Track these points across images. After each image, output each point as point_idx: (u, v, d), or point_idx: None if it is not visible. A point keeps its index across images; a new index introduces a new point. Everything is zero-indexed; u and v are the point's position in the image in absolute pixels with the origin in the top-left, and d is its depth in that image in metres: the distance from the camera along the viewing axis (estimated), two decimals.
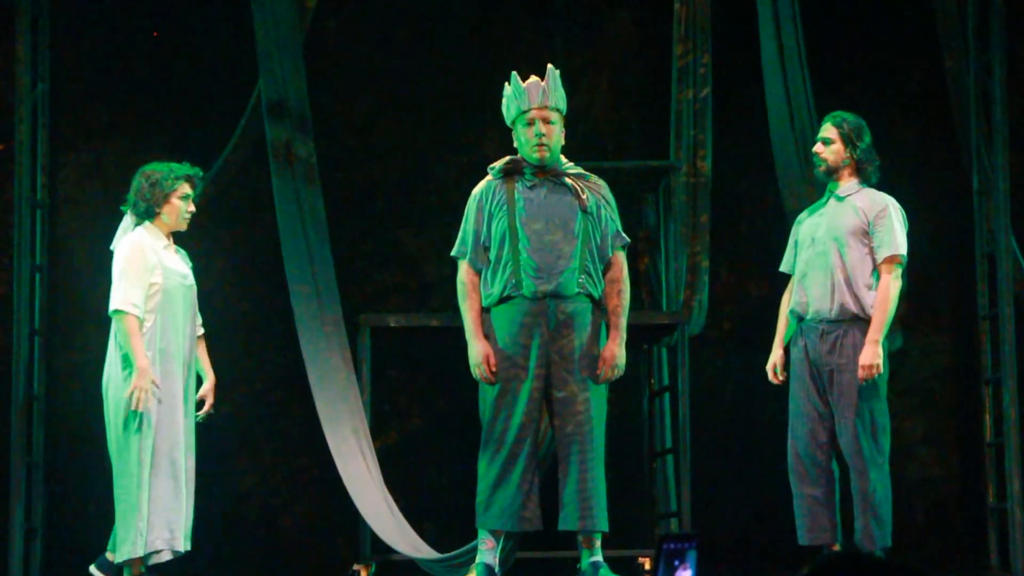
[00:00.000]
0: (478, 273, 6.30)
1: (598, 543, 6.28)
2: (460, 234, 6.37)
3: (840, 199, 6.84)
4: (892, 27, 8.54)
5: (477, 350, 6.21)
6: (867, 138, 6.86)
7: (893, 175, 8.50)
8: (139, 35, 8.31)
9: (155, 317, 6.47)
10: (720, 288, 8.31)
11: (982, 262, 8.23)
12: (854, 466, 6.64)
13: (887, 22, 8.53)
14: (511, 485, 6.11)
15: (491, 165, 6.36)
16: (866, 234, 6.73)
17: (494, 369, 6.18)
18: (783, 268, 7.02)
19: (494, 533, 6.23)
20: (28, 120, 7.97)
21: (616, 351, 6.22)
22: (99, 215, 8.25)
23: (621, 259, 6.34)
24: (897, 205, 6.81)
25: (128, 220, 6.69)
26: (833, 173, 6.87)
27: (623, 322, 6.27)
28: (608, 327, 6.30)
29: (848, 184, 6.85)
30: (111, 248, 6.74)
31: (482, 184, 6.35)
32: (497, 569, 6.22)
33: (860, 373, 6.50)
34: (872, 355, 6.50)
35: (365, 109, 8.45)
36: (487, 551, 6.23)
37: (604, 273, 6.30)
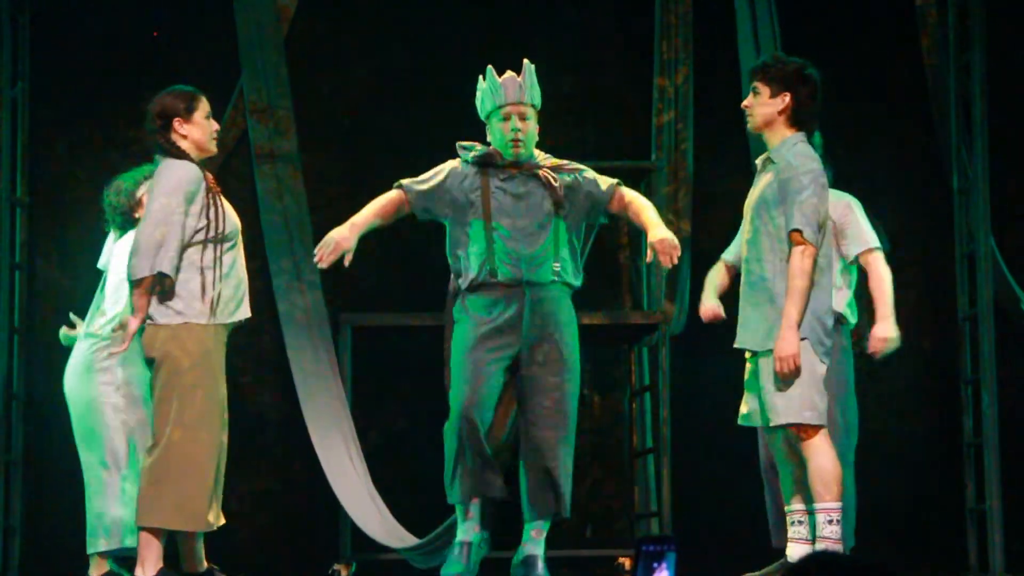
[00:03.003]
0: (404, 203, 6.28)
1: (543, 536, 6.19)
2: (416, 177, 6.36)
3: None
4: (872, 26, 8.55)
5: (346, 225, 6.21)
6: None
7: (873, 174, 8.53)
8: (120, 32, 8.30)
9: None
10: (701, 288, 8.31)
11: (962, 262, 8.25)
12: None
13: (867, 21, 8.55)
14: (473, 454, 6.05)
15: (461, 143, 6.32)
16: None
17: (336, 245, 6.13)
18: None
19: (469, 505, 6.12)
20: (7, 118, 7.95)
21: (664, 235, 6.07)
22: (79, 213, 8.24)
23: (623, 191, 6.30)
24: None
25: (112, 237, 6.67)
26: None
27: (654, 216, 6.18)
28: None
29: None
30: (99, 267, 6.72)
31: (459, 163, 6.32)
32: (476, 540, 6.10)
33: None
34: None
35: (347, 106, 8.44)
36: (466, 528, 6.13)
37: (612, 211, 6.28)
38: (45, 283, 8.16)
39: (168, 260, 5.57)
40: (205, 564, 5.90)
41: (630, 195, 6.32)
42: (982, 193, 8.06)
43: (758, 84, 5.86)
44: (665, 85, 8.14)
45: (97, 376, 6.46)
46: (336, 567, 7.52)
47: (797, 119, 5.82)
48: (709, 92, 8.30)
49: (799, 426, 5.67)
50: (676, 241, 6.08)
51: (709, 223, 8.38)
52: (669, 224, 7.99)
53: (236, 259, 5.81)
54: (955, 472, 8.22)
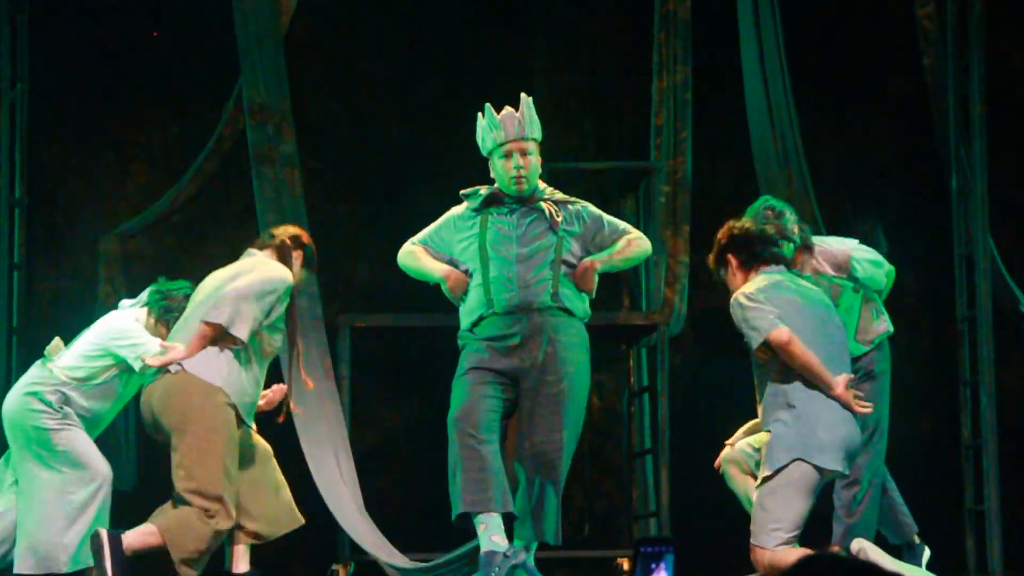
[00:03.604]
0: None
1: (534, 548, 6.19)
2: (423, 232, 6.41)
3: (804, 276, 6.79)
4: (872, 28, 8.55)
5: (443, 272, 6.24)
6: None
7: (872, 175, 8.53)
8: (118, 33, 8.29)
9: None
10: (700, 289, 8.31)
11: (960, 263, 8.25)
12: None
13: (867, 23, 8.55)
14: (467, 467, 6.00)
15: (464, 192, 6.32)
16: (831, 281, 6.70)
17: (463, 287, 6.19)
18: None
19: (483, 516, 6.06)
20: (6, 119, 7.95)
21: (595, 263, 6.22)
22: (77, 214, 8.24)
23: (628, 238, 6.33)
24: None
25: (133, 307, 6.60)
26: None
27: (614, 257, 6.27)
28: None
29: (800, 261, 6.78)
30: (115, 306, 6.70)
31: (461, 209, 6.33)
32: (503, 549, 5.97)
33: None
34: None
35: (345, 110, 8.44)
36: (485, 538, 6.00)
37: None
38: (43, 283, 8.16)
39: (247, 330, 6.04)
40: (248, 567, 6.27)
41: (625, 240, 6.32)
42: (980, 194, 8.06)
43: (717, 271, 6.24)
44: (664, 85, 8.14)
45: (35, 405, 6.48)
46: (334, 568, 7.52)
47: (748, 266, 6.15)
48: (708, 93, 8.30)
49: (757, 547, 5.94)
50: (590, 276, 6.20)
51: (708, 224, 8.38)
52: (668, 228, 8.01)
53: (265, 370, 6.26)
54: (954, 473, 8.22)
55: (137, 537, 5.95)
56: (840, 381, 5.95)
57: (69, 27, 8.25)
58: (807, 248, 6.69)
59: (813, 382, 5.92)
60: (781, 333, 5.91)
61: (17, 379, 7.79)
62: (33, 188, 8.13)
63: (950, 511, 8.16)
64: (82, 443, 6.45)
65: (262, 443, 6.38)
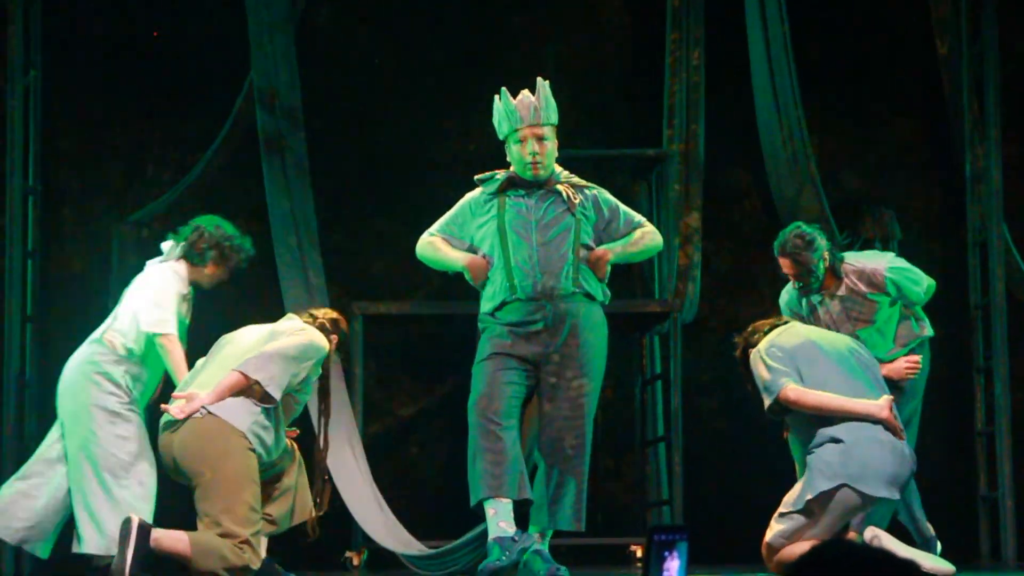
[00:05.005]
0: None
1: (549, 535, 6.21)
2: (440, 221, 6.40)
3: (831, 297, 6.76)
4: (885, 15, 8.54)
5: (464, 260, 6.23)
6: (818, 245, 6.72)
7: (886, 162, 8.52)
8: (132, 21, 8.30)
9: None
10: (713, 276, 8.31)
11: (974, 250, 8.24)
12: None
13: (880, 10, 8.54)
14: (487, 453, 6.01)
15: (479, 177, 6.31)
16: (866, 298, 6.69)
17: (484, 273, 6.20)
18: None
19: (493, 501, 6.09)
20: (20, 106, 7.96)
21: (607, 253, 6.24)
22: (91, 201, 8.26)
23: (641, 231, 6.34)
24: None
25: (172, 248, 6.72)
26: (820, 288, 6.74)
27: (628, 248, 6.28)
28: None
29: (832, 285, 6.75)
30: (147, 262, 6.75)
31: (476, 194, 6.32)
32: (511, 535, 5.99)
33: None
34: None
35: (357, 98, 8.44)
36: (493, 524, 6.01)
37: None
38: (57, 271, 8.18)
39: (280, 392, 6.05)
40: (264, 554, 6.24)
41: (640, 232, 6.32)
42: (994, 181, 8.05)
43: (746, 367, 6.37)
44: (676, 70, 8.12)
45: (96, 379, 6.56)
46: (348, 555, 7.53)
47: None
48: (720, 78, 8.28)
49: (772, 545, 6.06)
50: (603, 265, 6.21)
51: (719, 210, 8.38)
52: (680, 215, 8.01)
53: (284, 432, 6.26)
54: (967, 461, 8.22)
55: (166, 538, 5.91)
56: (883, 404, 5.98)
57: (82, 14, 8.26)
58: (836, 275, 6.67)
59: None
60: (788, 392, 6.02)
61: (31, 366, 7.83)
62: (47, 176, 8.15)
63: (963, 498, 8.16)
64: (139, 440, 6.61)
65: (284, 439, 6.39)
